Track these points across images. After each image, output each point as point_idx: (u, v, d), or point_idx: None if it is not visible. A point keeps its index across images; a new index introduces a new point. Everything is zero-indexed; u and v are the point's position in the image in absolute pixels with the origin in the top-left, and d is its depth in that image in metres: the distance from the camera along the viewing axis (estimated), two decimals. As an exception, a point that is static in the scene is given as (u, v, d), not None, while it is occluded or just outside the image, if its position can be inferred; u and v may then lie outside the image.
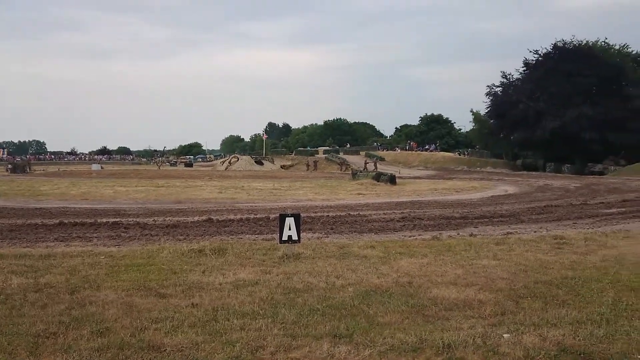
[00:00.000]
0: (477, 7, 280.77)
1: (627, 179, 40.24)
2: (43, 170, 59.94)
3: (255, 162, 74.95)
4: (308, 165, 68.85)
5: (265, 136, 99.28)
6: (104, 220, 13.96)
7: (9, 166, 57.06)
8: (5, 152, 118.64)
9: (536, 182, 36.74)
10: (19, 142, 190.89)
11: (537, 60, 63.78)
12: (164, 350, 4.49)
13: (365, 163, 61.26)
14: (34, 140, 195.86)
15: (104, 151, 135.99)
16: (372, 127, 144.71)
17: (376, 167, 53.32)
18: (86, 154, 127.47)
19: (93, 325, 5.07)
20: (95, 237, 11.39)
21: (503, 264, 8.15)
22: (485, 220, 15.02)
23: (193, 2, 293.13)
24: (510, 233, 12.28)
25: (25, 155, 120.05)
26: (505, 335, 4.82)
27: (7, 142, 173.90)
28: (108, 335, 4.83)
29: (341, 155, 79.64)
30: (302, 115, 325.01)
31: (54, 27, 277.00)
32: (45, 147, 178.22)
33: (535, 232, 12.56)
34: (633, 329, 5.00)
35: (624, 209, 18.06)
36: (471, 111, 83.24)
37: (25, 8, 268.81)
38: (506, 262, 8.36)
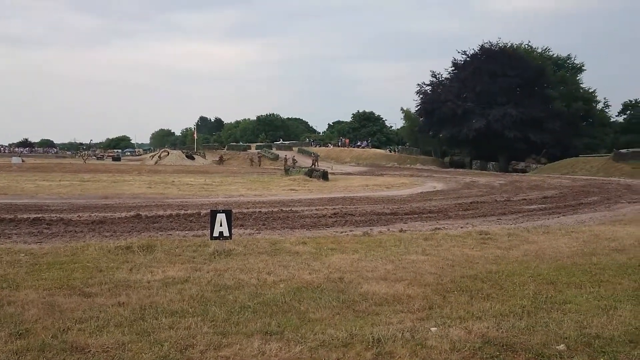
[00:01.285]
0: (411, 8, 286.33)
1: (547, 177, 42.23)
2: (-43, 163, 56.65)
3: (186, 156, 73.79)
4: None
5: (195, 134, 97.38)
6: (25, 216, 13.33)
7: None
8: None
9: (463, 179, 37.89)
10: None
11: (465, 60, 65.93)
12: (89, 352, 4.34)
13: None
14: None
15: (25, 143, 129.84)
16: (306, 123, 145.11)
17: (316, 164, 53.51)
18: (6, 146, 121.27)
19: (12, 326, 4.83)
20: (15, 234, 10.85)
21: (431, 259, 8.36)
22: (415, 216, 15.35)
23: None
24: (439, 229, 12.61)
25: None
26: (432, 329, 4.95)
27: None
28: (28, 336, 4.61)
29: (274, 150, 79.45)
30: (235, 110, 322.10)
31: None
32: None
33: (462, 227, 12.96)
34: (552, 320, 5.24)
35: (544, 206, 18.92)
36: (402, 109, 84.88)
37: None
38: (434, 257, 8.58)
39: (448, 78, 68.06)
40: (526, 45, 69.39)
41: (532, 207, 18.58)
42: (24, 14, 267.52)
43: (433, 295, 6.23)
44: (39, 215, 13.45)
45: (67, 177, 30.85)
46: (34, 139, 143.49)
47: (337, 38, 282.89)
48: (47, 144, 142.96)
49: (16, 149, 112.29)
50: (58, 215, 13.65)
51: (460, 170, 58.19)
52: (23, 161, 64.86)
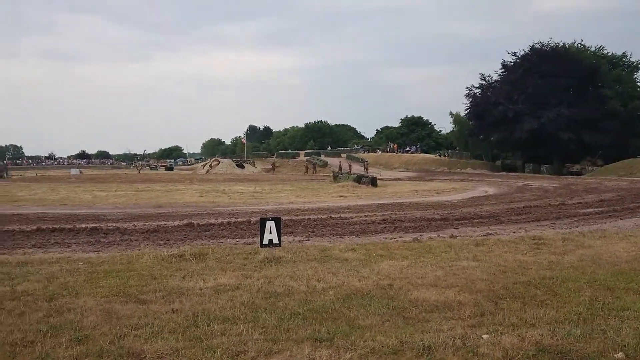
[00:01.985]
0: (456, 10, 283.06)
1: (604, 179, 40.91)
2: (20, 175, 59.09)
3: (236, 165, 74.79)
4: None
5: (244, 140, 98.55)
6: (83, 225, 13.81)
7: (-13, 171, 56.27)
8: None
9: (515, 183, 37.12)
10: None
11: (515, 62, 64.60)
12: (144, 357, 4.47)
13: (349, 166, 61.24)
14: (10, 145, 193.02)
15: (82, 155, 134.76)
16: (354, 129, 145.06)
17: (367, 169, 53.49)
18: (64, 159, 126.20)
19: (71, 332, 5.02)
20: (74, 243, 11.26)
21: (482, 265, 8.23)
22: (466, 221, 15.13)
23: (166, 4, 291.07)
24: (490, 234, 12.39)
25: (2, 161, 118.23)
26: (484, 336, 4.87)
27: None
28: (87, 342, 4.78)
29: (322, 157, 79.69)
30: (283, 118, 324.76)
31: (26, 29, 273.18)
32: (23, 152, 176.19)
33: (514, 232, 12.69)
34: (609, 327, 5.08)
35: (600, 209, 18.33)
36: (450, 113, 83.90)
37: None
38: (486, 263, 8.44)
39: (498, 80, 66.79)
40: (579, 45, 67.48)
41: (588, 210, 18.03)
42: (72, 30, 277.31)
43: (484, 302, 6.13)
44: (96, 225, 13.91)
45: (122, 188, 31.74)
46: (91, 150, 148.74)
47: (380, 43, 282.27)
48: (103, 155, 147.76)
49: (74, 161, 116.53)
50: (114, 225, 14.08)
51: (513, 174, 56.99)
52: (81, 172, 67.14)
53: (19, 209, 18.96)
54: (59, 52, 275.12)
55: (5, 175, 54.12)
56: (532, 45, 63.34)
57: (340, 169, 57.97)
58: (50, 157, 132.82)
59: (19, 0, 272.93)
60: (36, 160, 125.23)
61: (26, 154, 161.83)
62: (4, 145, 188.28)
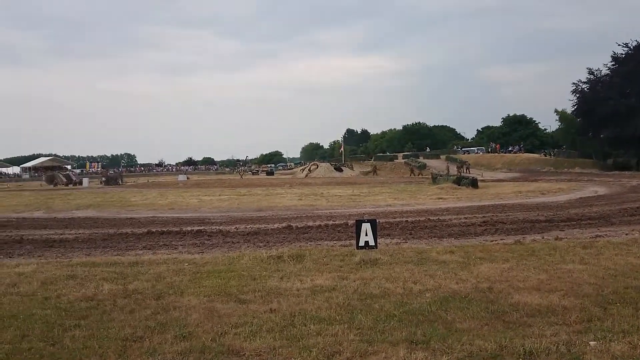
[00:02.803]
0: (556, 3, 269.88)
1: None
2: (134, 181, 63.02)
3: (334, 168, 75.33)
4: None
5: (341, 149, 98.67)
6: (189, 228, 14.49)
7: (103, 179, 60.46)
8: (100, 166, 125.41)
9: (629, 182, 34.84)
10: (112, 155, 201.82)
11: (626, 54, 60.50)
12: (243, 355, 4.62)
13: (458, 168, 59.62)
14: (125, 154, 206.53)
15: (189, 162, 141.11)
16: (452, 130, 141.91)
17: (467, 171, 52.18)
18: (173, 165, 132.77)
19: (177, 329, 5.28)
20: (181, 245, 11.85)
21: (590, 269, 7.79)
22: (573, 223, 14.41)
23: (261, 14, 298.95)
24: (599, 236, 11.73)
25: (118, 168, 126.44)
26: (591, 343, 4.62)
27: (100, 156, 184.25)
28: (191, 339, 5.01)
29: (421, 159, 78.59)
30: (380, 121, 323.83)
31: (135, 45, 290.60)
32: (136, 160, 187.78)
33: (626, 234, 11.94)
34: None
35: None
36: (556, 110, 79.88)
37: (107, 29, 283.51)
38: (594, 266, 7.99)
39: (608, 74, 62.80)
40: (699, 32, 62.26)
41: None
42: (177, 45, 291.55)
43: (592, 307, 5.80)
44: (201, 228, 14.55)
45: (225, 192, 32.97)
46: (197, 157, 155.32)
47: (479, 42, 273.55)
48: (208, 161, 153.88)
49: (182, 168, 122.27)
50: (218, 227, 14.67)
51: (626, 172, 53.37)
52: (188, 178, 70.59)
53: (131, 213, 20.21)
54: (170, 65, 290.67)
55: (120, 182, 57.85)
56: (647, 35, 59.18)
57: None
58: (160, 164, 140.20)
59: (133, 18, 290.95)
60: (148, 167, 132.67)
61: (139, 162, 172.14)
62: (119, 154, 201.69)
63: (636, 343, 4.56)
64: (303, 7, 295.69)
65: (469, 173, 49.73)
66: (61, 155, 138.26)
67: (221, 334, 5.15)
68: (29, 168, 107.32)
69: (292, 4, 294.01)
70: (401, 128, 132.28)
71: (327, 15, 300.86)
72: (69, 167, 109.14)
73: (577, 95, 63.47)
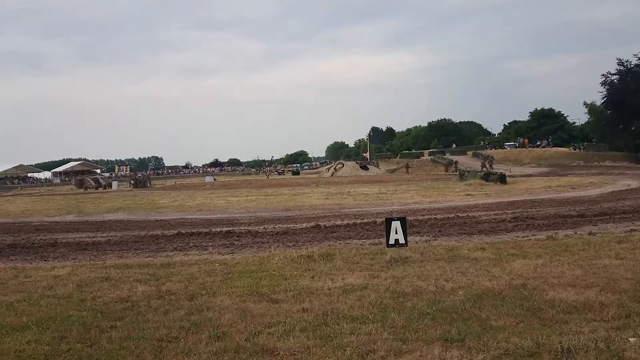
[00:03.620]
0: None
1: None
2: (161, 184, 63.73)
3: (360, 167, 75.10)
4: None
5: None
6: (218, 229, 14.59)
7: (132, 181, 61.38)
8: (128, 169, 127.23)
9: (663, 175, 34.09)
10: (139, 158, 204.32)
11: (658, 43, 59.14)
12: (277, 354, 4.63)
13: (482, 165, 58.84)
14: (152, 156, 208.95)
15: (215, 163, 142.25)
16: (479, 126, 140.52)
17: (491, 167, 51.50)
18: (200, 167, 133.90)
19: (211, 329, 5.32)
20: (211, 246, 11.94)
21: (627, 264, 7.64)
22: (606, 217, 14.15)
23: (281, 14, 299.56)
24: (635, 230, 11.50)
25: (146, 171, 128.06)
26: (631, 340, 4.52)
27: (129, 159, 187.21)
28: (225, 339, 5.04)
29: (447, 156, 77.94)
30: (406, 118, 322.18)
31: (159, 48, 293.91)
32: (163, 162, 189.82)
33: (663, 228, 11.67)
34: None
35: None
36: (584, 103, 78.51)
37: (131, 33, 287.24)
38: (630, 261, 7.83)
39: (638, 64, 61.55)
40: None
41: None
42: (201, 47, 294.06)
43: (630, 302, 5.68)
44: (230, 229, 14.65)
45: (252, 193, 33.13)
46: (223, 158, 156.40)
47: (501, 35, 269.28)
48: (234, 162, 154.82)
49: (208, 169, 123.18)
50: (246, 228, 14.74)
51: (659, 165, 52.32)
52: (214, 180, 71.14)
53: (161, 216, 20.44)
54: (194, 67, 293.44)
55: (148, 184, 58.57)
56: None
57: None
58: (187, 166, 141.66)
59: (156, 21, 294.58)
60: (175, 169, 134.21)
61: (166, 164, 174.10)
62: (146, 157, 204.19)
63: (678, 339, 4.45)
64: (324, 6, 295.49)
65: (492, 169, 48.87)
66: (90, 159, 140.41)
67: (255, 333, 5.17)
68: (60, 172, 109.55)
69: (313, 3, 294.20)
70: (426, 125, 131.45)
71: (349, 14, 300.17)
72: (98, 170, 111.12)
73: (607, 87, 62.35)
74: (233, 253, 10.81)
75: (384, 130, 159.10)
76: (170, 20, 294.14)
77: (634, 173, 38.87)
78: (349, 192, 29.82)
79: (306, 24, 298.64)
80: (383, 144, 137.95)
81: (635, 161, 59.93)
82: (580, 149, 74.74)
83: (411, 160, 79.83)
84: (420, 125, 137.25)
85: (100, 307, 6.42)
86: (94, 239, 13.80)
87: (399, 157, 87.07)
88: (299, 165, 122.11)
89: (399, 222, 8.62)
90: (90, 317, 5.96)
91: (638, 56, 61.96)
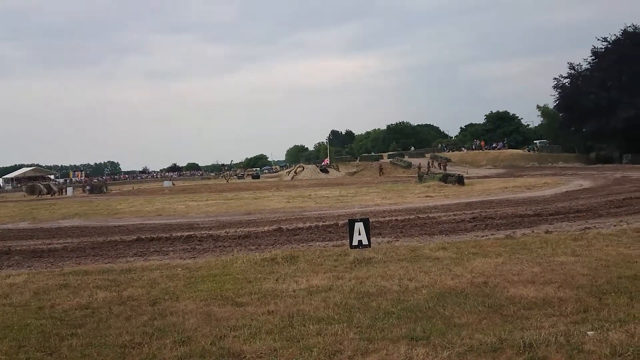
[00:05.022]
0: (535, 1, 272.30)
1: None
2: (118, 189, 62.63)
3: (320, 170, 75.36)
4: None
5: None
6: (179, 234, 14.40)
7: (87, 187, 60.02)
8: (83, 174, 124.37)
9: (613, 175, 35.25)
10: (95, 164, 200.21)
11: (606, 48, 61.15)
12: (244, 357, 4.59)
13: (429, 165, 59.95)
14: (108, 162, 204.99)
15: (174, 168, 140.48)
16: (437, 129, 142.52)
17: (444, 168, 52.23)
18: (158, 172, 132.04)
19: (175, 334, 5.24)
20: (172, 251, 11.77)
21: (583, 260, 7.87)
22: (561, 216, 14.54)
23: (243, 18, 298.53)
24: (589, 228, 11.85)
25: (102, 176, 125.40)
26: (589, 333, 4.65)
27: (84, 165, 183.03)
28: (190, 344, 4.97)
29: (406, 158, 78.82)
30: (365, 121, 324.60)
31: (118, 52, 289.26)
32: (120, 168, 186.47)
33: (615, 226, 12.06)
34: None
35: None
36: (538, 106, 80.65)
37: (90, 36, 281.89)
38: (586, 257, 8.06)
39: (588, 69, 63.42)
40: (677, 24, 63.04)
41: (697, 200, 16.82)
42: (162, 51, 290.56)
43: (587, 297, 5.85)
44: (190, 233, 14.47)
45: (212, 197, 32.82)
46: (181, 163, 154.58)
47: (459, 40, 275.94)
48: (193, 167, 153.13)
49: (167, 174, 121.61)
50: (207, 232, 14.59)
51: (609, 165, 54.02)
52: (173, 184, 70.26)
53: (119, 221, 20.04)
54: (154, 71, 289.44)
55: (105, 190, 57.43)
56: (624, 29, 59.81)
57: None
58: (144, 171, 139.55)
59: (114, 25, 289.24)
60: (132, 174, 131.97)
61: (123, 170, 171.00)
62: (102, 162, 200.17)
63: (633, 331, 4.60)
64: (286, 10, 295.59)
65: (445, 170, 49.54)
66: (44, 165, 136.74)
67: (220, 337, 5.11)
68: (12, 179, 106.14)
69: (275, 7, 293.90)
70: (385, 128, 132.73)
71: (311, 17, 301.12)
72: (52, 176, 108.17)
73: (559, 91, 64.17)
74: (195, 257, 10.67)
75: (344, 133, 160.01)
76: (129, 24, 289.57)
77: (586, 173, 40.07)
78: (309, 195, 29.86)
79: (269, 27, 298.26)
80: (343, 147, 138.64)
81: (587, 162, 61.84)
82: (534, 150, 76.67)
83: (370, 162, 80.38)
84: (379, 129, 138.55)
85: (59, 314, 6.24)
86: (49, 246, 13.41)
87: (359, 160, 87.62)
88: (259, 169, 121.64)
89: (362, 223, 8.67)
90: (50, 325, 5.79)
91: (588, 61, 64.02)
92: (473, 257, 8.58)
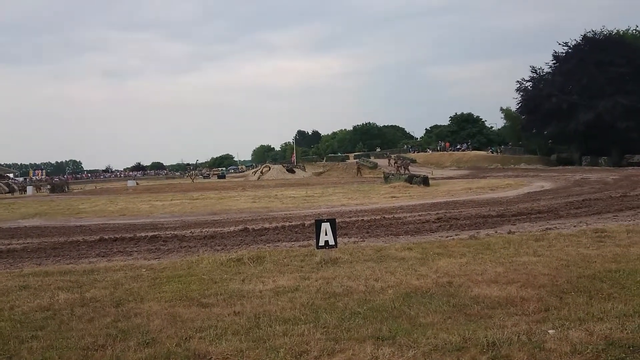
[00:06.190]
0: (499, 4, 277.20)
1: (667, 169, 39.19)
2: (81, 189, 61.45)
3: (287, 170, 75.21)
4: (395, 165, 66.61)
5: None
6: (143, 234, 14.19)
7: (48, 186, 58.64)
8: (44, 173, 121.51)
9: (573, 177, 36.09)
10: (57, 162, 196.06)
11: (566, 52, 62.65)
12: (210, 359, 4.56)
13: (397, 165, 60.22)
14: (70, 160, 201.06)
15: (138, 167, 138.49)
16: (402, 130, 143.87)
17: (407, 170, 52.57)
18: (121, 171, 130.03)
19: (139, 336, 5.17)
20: (136, 251, 11.60)
21: (544, 260, 8.04)
22: (523, 217, 14.82)
23: (208, 16, 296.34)
24: (550, 229, 12.10)
25: (63, 175, 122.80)
26: (550, 331, 4.76)
27: (45, 163, 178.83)
28: (154, 345, 4.91)
29: (372, 159, 79.28)
30: (331, 122, 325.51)
31: (79, 50, 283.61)
32: (82, 167, 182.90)
33: (575, 226, 12.36)
34: (683, 320, 4.88)
35: (666, 199, 17.61)
36: (501, 108, 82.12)
37: (49, 32, 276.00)
38: (547, 257, 8.24)
39: (550, 72, 64.82)
40: (634, 31, 65.02)
41: (653, 201, 17.34)
42: (121, 49, 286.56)
43: (548, 297, 5.98)
44: (155, 233, 14.28)
45: (177, 197, 32.43)
46: (146, 162, 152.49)
47: (425, 42, 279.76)
48: (157, 166, 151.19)
49: (130, 173, 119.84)
50: (172, 232, 14.42)
51: (569, 167, 55.33)
52: (137, 184, 69.17)
53: (81, 221, 19.65)
54: (113, 69, 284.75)
55: (66, 189, 56.24)
56: (584, 34, 61.34)
57: (396, 164, 56.26)
58: (107, 170, 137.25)
59: (73, 20, 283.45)
60: (95, 174, 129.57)
61: (85, 169, 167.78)
62: (64, 160, 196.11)
63: (592, 330, 4.72)
64: (250, 9, 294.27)
65: (408, 171, 49.80)
66: (2, 163, 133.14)
67: (185, 338, 5.07)
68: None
69: (239, 6, 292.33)
70: (352, 128, 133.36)
71: (275, 17, 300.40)
72: (11, 175, 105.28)
73: (521, 93, 65.49)
74: (160, 258, 10.54)
75: (310, 133, 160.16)
76: (88, 20, 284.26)
77: (547, 175, 40.94)
78: (276, 195, 29.79)
79: (231, 26, 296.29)
80: (309, 147, 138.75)
81: (548, 164, 63.17)
82: (497, 152, 78.03)
83: (337, 163, 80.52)
84: (345, 129, 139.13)
85: (19, 316, 6.09)
86: (8, 247, 13.07)
87: (325, 161, 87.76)
88: (224, 168, 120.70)
89: (328, 223, 8.69)
90: (9, 327, 5.64)
91: (549, 64, 65.47)
92: (438, 257, 8.68)
